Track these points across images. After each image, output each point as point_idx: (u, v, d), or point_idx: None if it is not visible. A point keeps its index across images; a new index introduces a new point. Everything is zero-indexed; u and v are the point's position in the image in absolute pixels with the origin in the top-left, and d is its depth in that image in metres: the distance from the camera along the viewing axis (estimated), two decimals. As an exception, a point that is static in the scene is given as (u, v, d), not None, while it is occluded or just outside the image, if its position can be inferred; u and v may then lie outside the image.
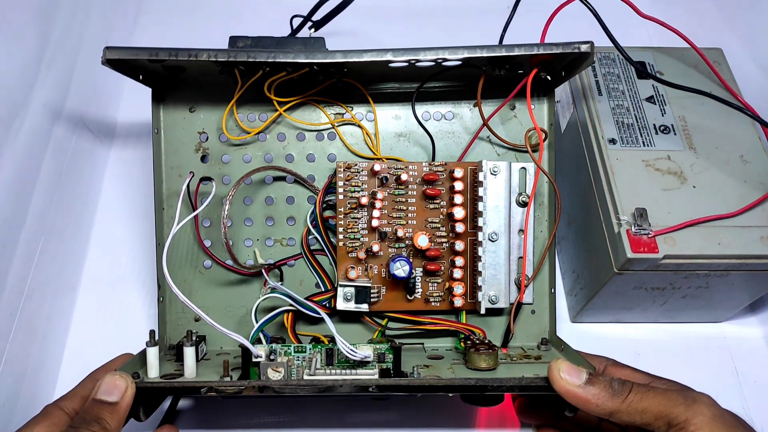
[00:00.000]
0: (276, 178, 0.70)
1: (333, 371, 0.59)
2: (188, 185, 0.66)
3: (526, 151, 0.69)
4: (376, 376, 0.58)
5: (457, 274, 0.66)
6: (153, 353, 0.57)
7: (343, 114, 0.70)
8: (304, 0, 0.80)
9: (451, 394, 0.58)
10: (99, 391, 0.52)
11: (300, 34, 0.85)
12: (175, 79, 0.68)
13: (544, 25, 0.68)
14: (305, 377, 0.57)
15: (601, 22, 0.66)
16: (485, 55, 0.60)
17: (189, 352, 0.58)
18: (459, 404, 0.66)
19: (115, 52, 0.58)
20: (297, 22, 0.83)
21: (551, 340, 0.69)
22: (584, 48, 0.59)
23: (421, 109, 0.71)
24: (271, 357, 0.59)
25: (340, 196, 0.66)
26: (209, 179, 0.67)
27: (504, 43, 0.70)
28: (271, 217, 0.71)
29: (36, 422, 0.53)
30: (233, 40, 0.65)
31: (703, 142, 0.71)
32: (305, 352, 0.60)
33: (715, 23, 0.93)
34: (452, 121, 0.71)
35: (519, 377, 0.56)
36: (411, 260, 0.65)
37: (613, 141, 0.70)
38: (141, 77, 0.65)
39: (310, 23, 0.82)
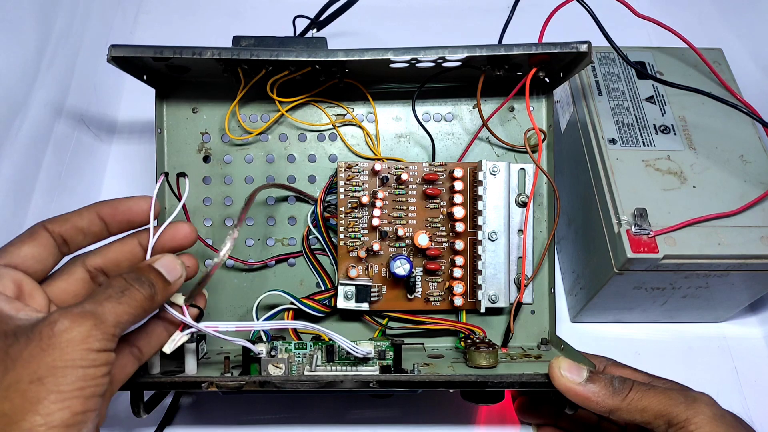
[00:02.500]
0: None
1: (334, 368, 0.59)
2: (168, 184, 0.66)
3: (525, 152, 0.70)
4: (377, 373, 0.58)
5: (457, 273, 0.66)
6: (154, 350, 0.57)
7: (344, 115, 0.71)
8: (306, 0, 0.81)
9: (451, 390, 0.58)
10: (159, 263, 0.49)
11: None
12: (179, 79, 0.69)
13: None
14: (306, 373, 0.57)
15: (597, 23, 0.67)
16: (484, 54, 0.60)
17: (190, 349, 0.58)
18: (459, 402, 0.66)
19: (120, 50, 0.58)
20: (300, 22, 0.84)
21: (551, 340, 0.69)
22: (582, 48, 0.60)
23: (422, 109, 0.71)
24: (272, 353, 0.59)
25: (341, 196, 0.66)
26: (183, 175, 0.62)
27: (503, 43, 0.70)
28: (272, 217, 0.71)
29: (22, 241, 0.48)
30: (236, 40, 0.66)
31: (703, 142, 0.71)
32: (306, 348, 0.60)
33: (715, 23, 0.94)
34: (452, 123, 0.72)
35: (519, 374, 0.56)
36: (411, 259, 0.65)
37: (613, 141, 0.71)
38: (145, 77, 0.66)
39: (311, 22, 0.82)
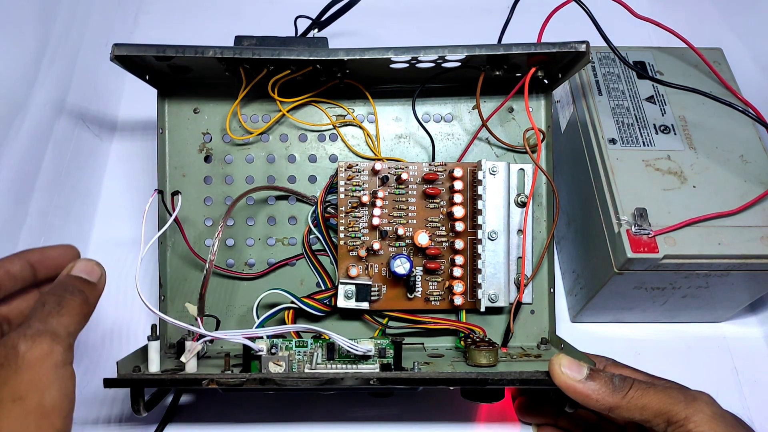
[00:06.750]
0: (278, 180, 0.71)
1: (334, 366, 0.59)
2: (162, 202, 0.69)
3: (525, 152, 0.70)
4: (377, 370, 0.58)
5: (457, 272, 0.66)
6: (154, 347, 0.57)
7: (345, 115, 0.71)
8: (307, 1, 0.81)
9: (452, 388, 0.58)
10: (77, 269, 0.51)
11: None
12: (181, 79, 0.69)
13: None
14: (306, 371, 0.57)
15: (595, 24, 0.67)
16: (484, 53, 0.61)
17: (190, 347, 0.58)
18: (459, 401, 0.66)
19: (123, 48, 0.59)
20: (301, 22, 0.84)
21: (551, 340, 0.70)
22: (581, 48, 0.60)
23: (422, 110, 0.71)
24: (272, 351, 0.59)
25: (342, 195, 0.67)
26: (177, 193, 0.67)
27: (502, 43, 0.71)
28: (273, 217, 0.71)
29: None
30: (238, 39, 0.66)
31: (703, 142, 0.71)
32: (306, 346, 0.60)
33: (715, 23, 0.94)
34: (452, 123, 0.72)
35: (519, 371, 0.56)
36: (411, 258, 0.66)
37: (613, 141, 0.71)
38: (147, 77, 0.66)
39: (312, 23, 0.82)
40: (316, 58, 0.60)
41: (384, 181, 0.67)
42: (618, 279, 0.67)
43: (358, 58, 0.60)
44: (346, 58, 0.60)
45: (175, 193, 0.67)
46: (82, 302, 0.48)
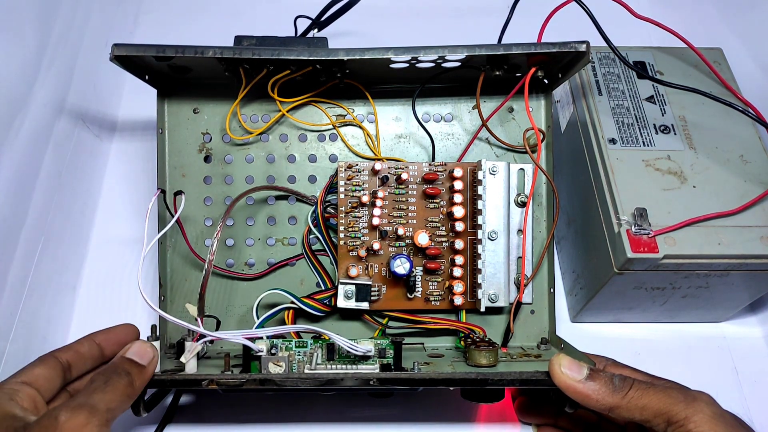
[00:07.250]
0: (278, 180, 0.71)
1: (334, 366, 0.59)
2: (164, 202, 0.69)
3: (525, 152, 0.70)
4: (377, 371, 0.58)
5: (457, 272, 0.66)
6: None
7: (345, 115, 0.71)
8: (307, 1, 0.81)
9: (452, 388, 0.58)
10: (130, 352, 0.55)
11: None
12: (181, 79, 0.69)
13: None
14: (306, 371, 0.57)
15: (595, 23, 0.67)
16: (484, 53, 0.61)
17: (190, 347, 0.58)
18: (459, 401, 0.66)
19: (123, 48, 0.59)
20: (301, 22, 0.84)
21: (551, 340, 0.70)
22: (581, 48, 0.60)
23: (422, 110, 0.71)
24: (272, 352, 0.59)
25: (342, 195, 0.67)
26: (180, 193, 0.68)
27: (502, 43, 0.71)
28: (273, 217, 0.71)
29: (34, 366, 0.53)
30: (238, 39, 0.66)
31: (703, 142, 0.71)
32: (306, 347, 0.60)
33: (715, 23, 0.94)
34: (452, 123, 0.72)
35: (519, 371, 0.56)
36: (411, 258, 0.65)
37: (613, 141, 0.71)
38: (147, 77, 0.66)
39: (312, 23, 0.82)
40: (316, 58, 0.60)
41: (384, 181, 0.67)
42: (618, 279, 0.67)
43: (358, 58, 0.60)
44: (346, 58, 0.60)
45: (177, 193, 0.67)
46: (127, 384, 0.52)
